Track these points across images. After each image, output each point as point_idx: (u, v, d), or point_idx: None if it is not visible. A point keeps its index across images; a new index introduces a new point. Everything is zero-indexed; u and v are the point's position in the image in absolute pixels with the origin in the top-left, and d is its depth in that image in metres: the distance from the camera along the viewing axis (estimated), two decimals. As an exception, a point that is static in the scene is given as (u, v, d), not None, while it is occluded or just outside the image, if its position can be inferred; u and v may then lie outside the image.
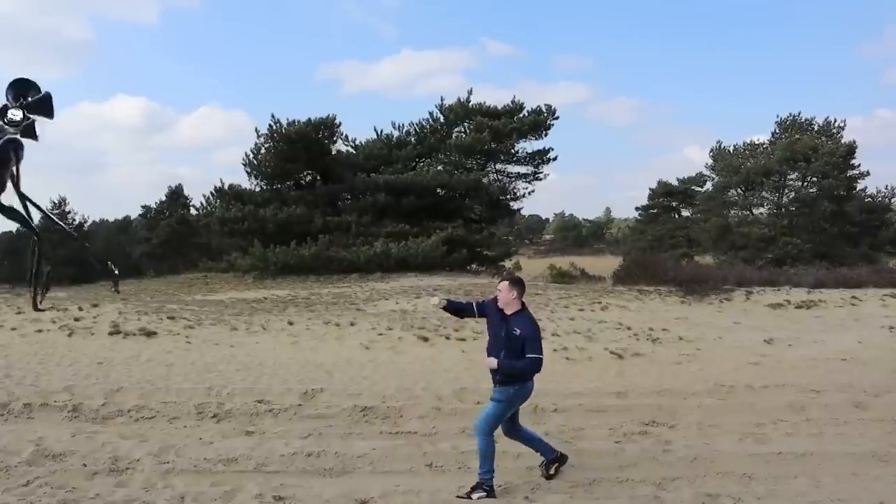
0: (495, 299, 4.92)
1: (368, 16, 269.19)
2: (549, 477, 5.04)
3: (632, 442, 6.07)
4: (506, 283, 4.93)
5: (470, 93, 31.05)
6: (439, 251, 23.47)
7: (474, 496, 4.70)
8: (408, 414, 6.75)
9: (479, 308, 5.04)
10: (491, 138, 29.76)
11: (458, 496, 4.75)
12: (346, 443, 5.89)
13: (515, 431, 5.13)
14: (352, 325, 11.67)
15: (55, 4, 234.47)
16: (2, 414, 6.68)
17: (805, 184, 35.40)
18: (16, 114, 4.25)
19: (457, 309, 5.19)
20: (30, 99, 4.33)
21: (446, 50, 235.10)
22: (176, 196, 42.73)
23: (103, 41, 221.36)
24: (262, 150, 27.73)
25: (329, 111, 54.76)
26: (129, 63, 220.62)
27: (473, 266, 28.13)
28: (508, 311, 4.85)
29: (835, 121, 37.17)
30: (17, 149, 4.32)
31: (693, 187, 47.38)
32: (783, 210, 35.58)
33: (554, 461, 5.09)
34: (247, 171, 28.32)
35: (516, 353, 4.72)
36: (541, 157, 32.23)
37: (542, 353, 4.74)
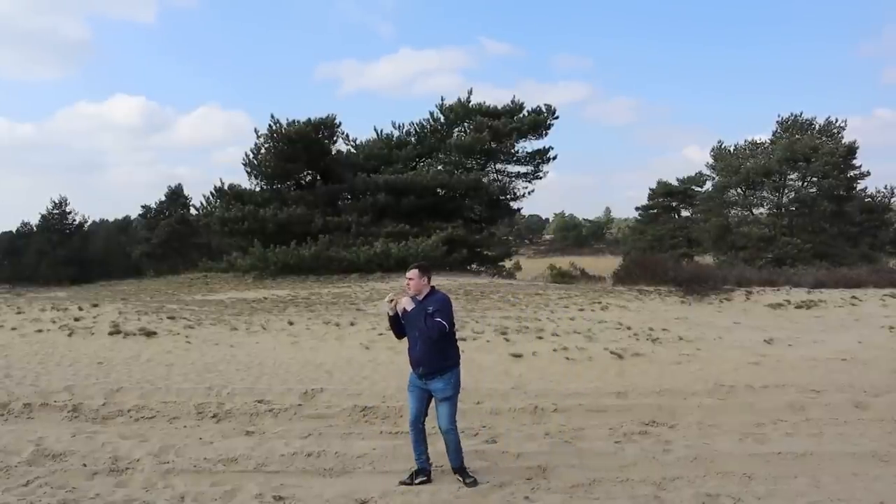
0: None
1: (367, 15, 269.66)
2: (406, 483, 4.95)
3: (632, 442, 6.06)
4: (415, 270, 5.08)
5: (470, 93, 31.14)
6: (439, 251, 23.48)
7: (469, 480, 4.94)
8: (408, 414, 6.74)
9: (398, 316, 5.08)
10: (491, 138, 29.78)
11: (466, 483, 4.89)
12: (346, 443, 5.89)
13: (422, 423, 5.13)
14: (352, 325, 11.68)
15: (51, 4, 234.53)
16: (2, 414, 6.68)
17: (805, 184, 35.44)
18: None
19: (395, 323, 5.18)
20: None
21: (445, 49, 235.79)
22: (176, 196, 42.78)
23: (101, 41, 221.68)
24: (262, 150, 27.75)
25: (327, 110, 54.97)
26: (127, 63, 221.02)
27: (473, 266, 28.14)
28: (421, 297, 5.03)
29: (836, 121, 37.22)
30: None
31: (693, 187, 47.40)
32: (783, 210, 35.61)
33: (420, 473, 5.01)
34: (247, 171, 28.38)
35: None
36: (541, 157, 32.26)
37: (447, 322, 4.88)
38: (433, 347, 4.91)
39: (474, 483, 4.92)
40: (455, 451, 5.03)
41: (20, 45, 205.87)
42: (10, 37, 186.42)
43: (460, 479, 4.98)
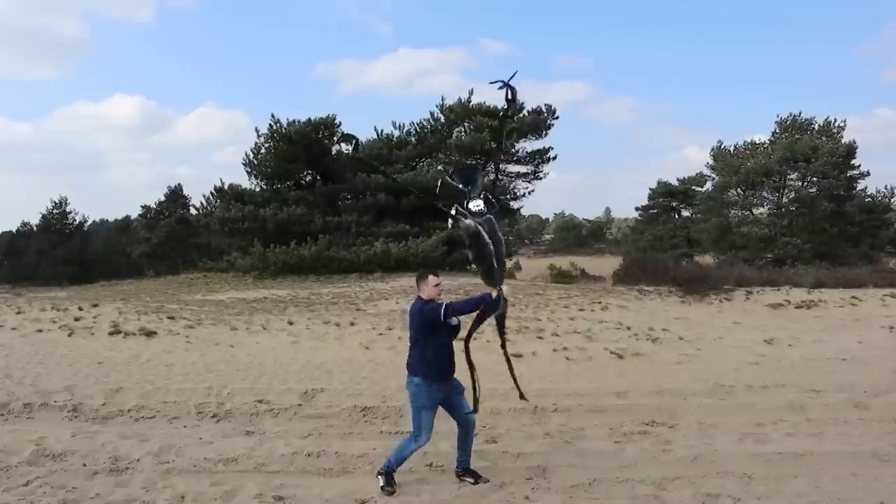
0: (426, 303, 4.92)
1: (366, 15, 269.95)
2: (384, 489, 4.77)
3: (632, 442, 6.06)
4: (436, 277, 5.00)
5: (470, 93, 31.14)
6: (439, 251, 23.46)
7: (483, 479, 4.97)
8: (408, 414, 6.73)
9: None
10: (491, 138, 29.77)
11: (475, 482, 4.94)
12: (346, 443, 5.89)
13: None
14: (352, 325, 11.68)
15: (46, 4, 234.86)
16: (2, 414, 6.68)
17: (805, 184, 35.41)
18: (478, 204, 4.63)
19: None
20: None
21: (444, 49, 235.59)
22: (175, 196, 42.75)
23: (98, 40, 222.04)
24: (262, 150, 27.74)
25: (326, 110, 54.96)
26: (125, 62, 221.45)
27: (473, 266, 28.08)
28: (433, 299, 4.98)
29: (835, 121, 37.16)
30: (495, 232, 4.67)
31: (693, 187, 47.38)
32: (783, 210, 35.57)
33: (387, 474, 4.85)
34: (247, 171, 28.36)
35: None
36: (541, 157, 32.25)
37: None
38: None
39: (486, 480, 4.94)
40: (468, 447, 5.03)
41: (16, 45, 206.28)
42: (5, 36, 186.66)
43: (471, 480, 4.96)
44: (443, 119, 31.53)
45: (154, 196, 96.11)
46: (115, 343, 10.19)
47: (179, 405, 6.99)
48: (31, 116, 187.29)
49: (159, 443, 5.77)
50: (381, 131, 30.96)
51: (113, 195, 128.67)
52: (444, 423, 6.55)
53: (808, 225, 33.77)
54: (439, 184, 4.80)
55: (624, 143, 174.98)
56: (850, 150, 34.99)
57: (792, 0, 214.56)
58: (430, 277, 4.95)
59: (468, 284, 18.06)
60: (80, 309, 12.33)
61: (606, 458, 5.56)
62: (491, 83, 4.62)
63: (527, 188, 33.01)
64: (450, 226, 4.68)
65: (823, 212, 33.16)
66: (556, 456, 5.59)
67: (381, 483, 4.79)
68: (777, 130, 38.73)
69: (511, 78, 4.67)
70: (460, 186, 4.86)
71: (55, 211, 40.29)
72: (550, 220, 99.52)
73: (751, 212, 37.13)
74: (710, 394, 7.81)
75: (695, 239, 43.32)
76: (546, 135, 31.73)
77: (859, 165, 35.91)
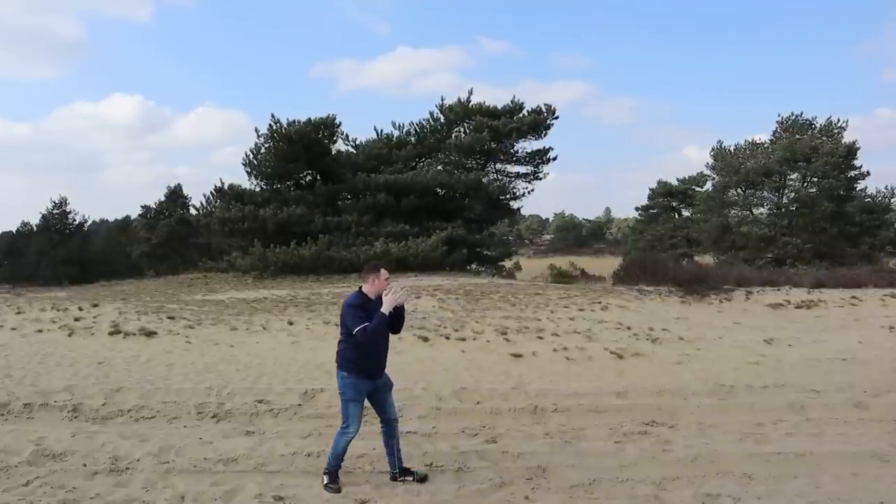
0: (368, 300, 4.97)
1: (364, 14, 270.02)
2: (327, 487, 4.81)
3: (632, 442, 6.06)
4: (387, 272, 5.00)
5: (470, 93, 31.16)
6: (439, 251, 23.47)
7: (420, 476, 5.04)
8: (408, 414, 6.74)
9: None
10: (490, 138, 29.76)
11: (414, 479, 4.99)
12: (345, 443, 5.88)
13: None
14: (352, 324, 11.66)
15: (44, 3, 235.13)
16: (2, 414, 6.68)
17: (805, 184, 35.40)
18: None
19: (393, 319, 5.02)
20: None
21: (443, 48, 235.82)
22: (175, 196, 42.75)
23: (97, 40, 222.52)
24: (262, 150, 27.74)
25: (325, 110, 54.97)
26: (124, 62, 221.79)
27: (473, 266, 28.14)
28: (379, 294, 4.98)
29: (837, 120, 37.11)
30: None
31: (693, 187, 47.39)
32: (783, 210, 35.57)
33: (329, 473, 4.88)
34: (247, 171, 28.35)
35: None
36: (540, 157, 32.23)
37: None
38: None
39: (423, 475, 5.02)
40: (397, 443, 5.07)
41: (14, 45, 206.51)
42: (3, 36, 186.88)
43: (410, 478, 4.99)
44: (442, 119, 31.52)
45: (153, 196, 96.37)
46: (115, 343, 10.18)
47: (179, 405, 6.99)
48: (29, 116, 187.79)
49: (159, 443, 5.77)
50: (381, 131, 30.98)
51: (112, 195, 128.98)
52: (442, 423, 6.57)
53: (808, 225, 33.77)
54: None
55: (624, 143, 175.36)
56: (851, 150, 34.96)
57: (792, 0, 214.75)
58: (383, 271, 4.98)
59: (468, 284, 18.06)
60: (80, 309, 12.33)
61: (606, 458, 5.56)
62: None
63: (527, 188, 33.01)
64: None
65: (823, 212, 33.16)
66: (556, 456, 5.59)
67: (325, 481, 4.83)
68: (778, 130, 38.71)
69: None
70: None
71: (55, 211, 40.32)
72: (550, 220, 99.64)
73: (751, 212, 37.13)
74: (710, 394, 7.81)
75: (695, 239, 43.35)
76: (546, 135, 31.73)
77: (860, 166, 35.94)
